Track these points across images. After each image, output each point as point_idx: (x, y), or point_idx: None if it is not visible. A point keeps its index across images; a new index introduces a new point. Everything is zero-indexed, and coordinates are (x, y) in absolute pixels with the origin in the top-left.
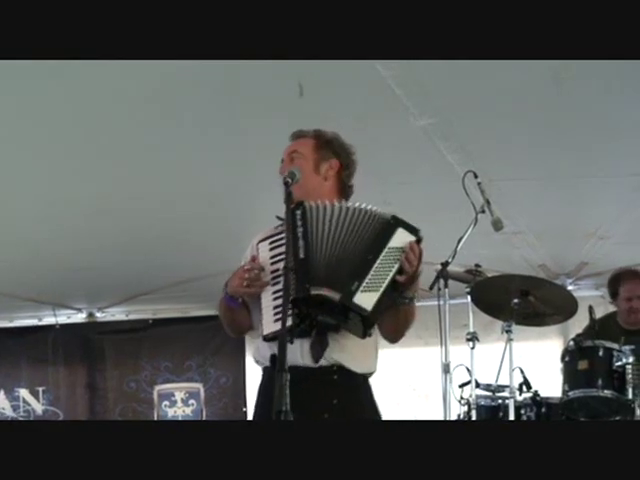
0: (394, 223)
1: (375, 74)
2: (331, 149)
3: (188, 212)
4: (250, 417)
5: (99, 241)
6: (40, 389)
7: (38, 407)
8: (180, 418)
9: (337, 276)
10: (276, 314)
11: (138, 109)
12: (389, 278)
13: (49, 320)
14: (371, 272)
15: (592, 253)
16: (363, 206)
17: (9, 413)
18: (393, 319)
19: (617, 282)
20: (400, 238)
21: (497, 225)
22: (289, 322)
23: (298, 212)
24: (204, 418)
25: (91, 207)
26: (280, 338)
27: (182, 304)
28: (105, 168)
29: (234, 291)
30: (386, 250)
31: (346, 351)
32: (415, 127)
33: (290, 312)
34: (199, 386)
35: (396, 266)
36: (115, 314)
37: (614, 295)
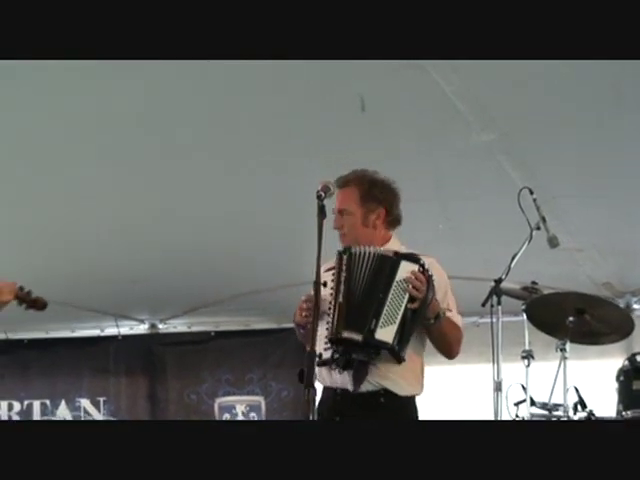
0: (396, 259)
1: (437, 89)
2: (375, 198)
3: (251, 225)
4: None
5: (162, 253)
6: (101, 399)
7: (99, 417)
8: None
9: (359, 318)
10: (325, 343)
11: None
12: (402, 309)
13: (111, 331)
14: (385, 308)
15: None
16: (372, 250)
17: None
18: (432, 338)
19: None
20: (404, 270)
21: (553, 242)
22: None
23: (345, 257)
24: None
25: (154, 218)
26: (307, 357)
27: (244, 317)
28: (168, 180)
29: (298, 321)
30: (394, 285)
31: (390, 377)
32: (477, 142)
33: (330, 348)
34: (260, 399)
35: (406, 296)
36: (177, 326)
37: None
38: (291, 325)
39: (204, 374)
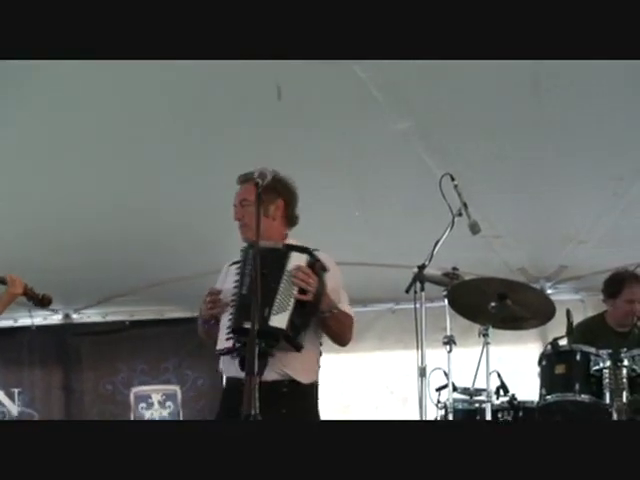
0: (286, 250)
1: (355, 77)
2: (275, 191)
3: (167, 214)
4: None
5: (75, 242)
6: (16, 390)
7: (14, 408)
8: (157, 420)
9: (257, 309)
10: (227, 333)
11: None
12: (293, 298)
13: (25, 321)
14: (277, 297)
15: (571, 257)
16: (268, 244)
17: None
18: (326, 329)
19: (620, 283)
20: (294, 261)
21: (474, 228)
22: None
23: (250, 251)
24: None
25: (69, 206)
26: (249, 344)
27: (158, 306)
28: (84, 167)
29: (203, 315)
30: (285, 275)
31: (291, 365)
32: (394, 130)
33: (231, 338)
34: (176, 388)
35: (297, 287)
36: (91, 316)
37: (613, 295)
38: None
39: (119, 364)
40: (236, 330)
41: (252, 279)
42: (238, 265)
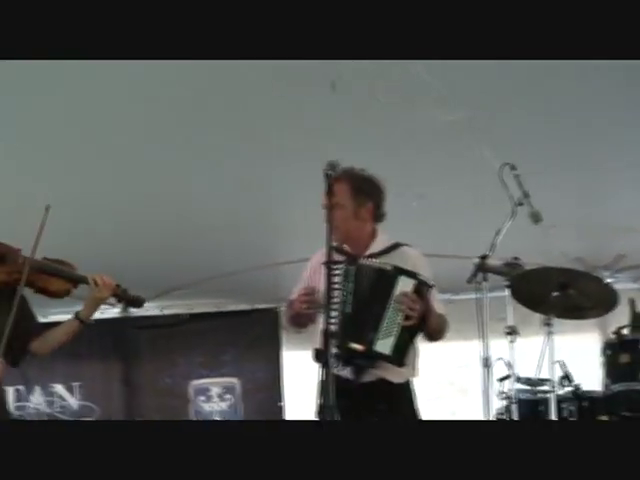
0: (394, 273)
1: (404, 69)
2: (365, 193)
3: (223, 207)
4: (287, 412)
5: (133, 237)
6: (75, 384)
7: (74, 403)
8: (216, 413)
9: (361, 330)
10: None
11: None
12: (399, 323)
13: None
14: (383, 323)
15: (629, 246)
16: (374, 264)
17: (44, 409)
18: (426, 334)
19: None
20: (402, 286)
21: (536, 217)
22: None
23: (352, 268)
24: (240, 412)
25: (128, 202)
26: (325, 333)
27: (216, 299)
28: (143, 164)
29: (297, 310)
30: (391, 300)
31: (386, 367)
32: (450, 121)
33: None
34: (235, 380)
35: (403, 313)
36: (150, 309)
37: None
38: (264, 306)
39: (178, 357)
40: (341, 348)
41: (357, 300)
42: (335, 269)
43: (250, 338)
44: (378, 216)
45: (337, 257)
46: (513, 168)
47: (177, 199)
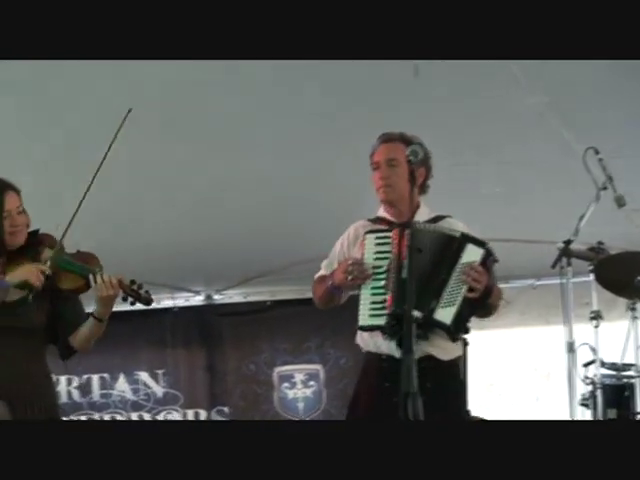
0: (462, 240)
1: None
2: (420, 157)
3: (303, 194)
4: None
5: (216, 223)
6: (160, 372)
7: (158, 390)
8: (300, 400)
9: (422, 296)
10: (372, 309)
11: None
12: (463, 292)
13: (167, 303)
14: (446, 289)
15: None
16: (437, 228)
17: (129, 396)
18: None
19: None
20: (469, 255)
21: (620, 201)
22: (381, 322)
23: (407, 232)
24: (324, 399)
25: (204, 192)
26: (406, 321)
27: (299, 285)
28: (222, 152)
29: (340, 282)
30: (458, 267)
31: (435, 344)
32: (531, 105)
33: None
34: (319, 367)
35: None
36: (233, 296)
37: None
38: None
39: (262, 344)
40: (395, 315)
41: (416, 266)
42: (378, 236)
43: (334, 325)
44: (425, 186)
45: (376, 227)
46: (597, 152)
47: (258, 186)
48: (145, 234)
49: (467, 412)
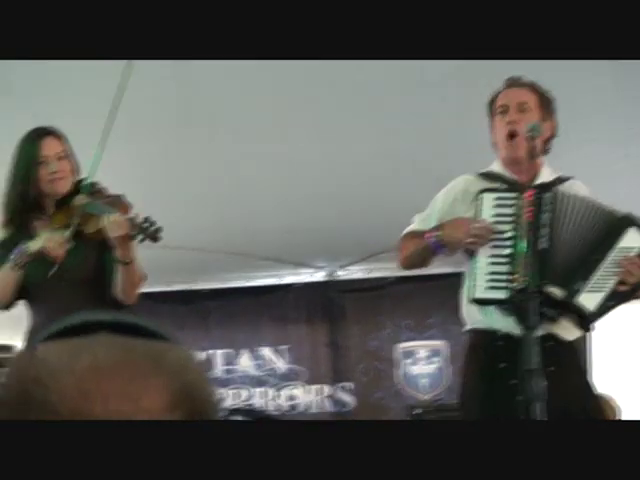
0: (625, 222)
1: None
2: (549, 109)
3: (427, 172)
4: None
5: (338, 200)
6: (283, 347)
7: (282, 365)
8: (423, 376)
9: (565, 273)
10: (491, 281)
11: None
12: (615, 279)
13: (290, 279)
14: (597, 273)
15: None
16: (590, 200)
17: (253, 372)
18: None
19: None
20: (630, 239)
21: None
22: (502, 295)
23: (547, 195)
24: (448, 376)
25: (327, 168)
26: (532, 300)
27: None
28: (340, 132)
29: (453, 241)
30: (614, 251)
31: (560, 322)
32: None
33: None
34: (441, 343)
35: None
36: (356, 272)
37: None
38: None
39: (384, 320)
40: (525, 289)
41: (559, 237)
42: (500, 196)
43: (457, 301)
44: (549, 143)
45: (493, 185)
46: None
47: (382, 163)
48: (267, 210)
49: (595, 397)
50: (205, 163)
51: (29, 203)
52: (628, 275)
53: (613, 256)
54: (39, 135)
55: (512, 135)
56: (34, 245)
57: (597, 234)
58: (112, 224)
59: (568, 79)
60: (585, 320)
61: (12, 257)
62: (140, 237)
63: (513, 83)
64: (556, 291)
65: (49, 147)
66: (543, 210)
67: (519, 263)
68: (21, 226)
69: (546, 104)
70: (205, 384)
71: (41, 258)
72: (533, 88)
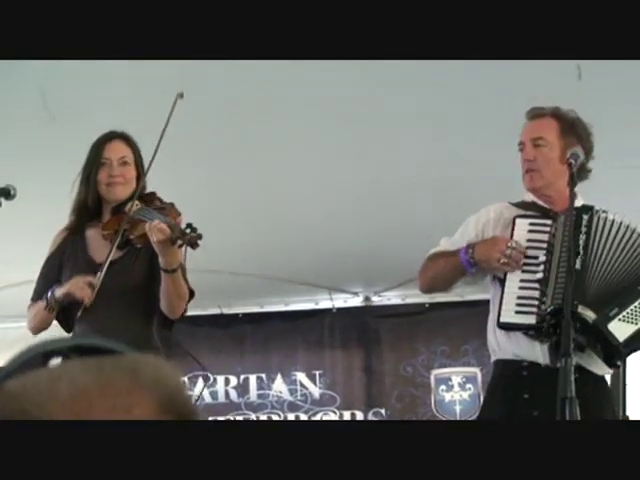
0: None
1: None
2: (575, 134)
3: (459, 196)
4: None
5: (375, 225)
6: (317, 372)
7: (315, 391)
8: (457, 402)
9: (599, 296)
10: (519, 305)
11: None
12: None
13: (325, 304)
14: (635, 303)
15: None
16: (632, 224)
17: (286, 397)
18: None
19: None
20: None
21: None
22: (531, 320)
23: (585, 217)
24: (481, 402)
25: (364, 191)
26: (565, 324)
27: (458, 288)
28: (375, 153)
29: (485, 260)
30: None
31: (586, 354)
32: None
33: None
34: (476, 370)
35: None
36: (391, 298)
37: None
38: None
39: (419, 346)
40: (555, 312)
41: (594, 259)
42: (533, 222)
43: None
44: (583, 168)
45: (527, 212)
46: None
47: (415, 188)
48: (303, 235)
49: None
50: (240, 189)
51: (88, 208)
52: None
53: None
54: (107, 138)
55: (529, 173)
56: (59, 290)
57: (636, 257)
58: (154, 228)
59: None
60: (612, 351)
61: (46, 297)
62: (179, 242)
63: (532, 115)
64: (589, 313)
65: (114, 150)
66: (580, 231)
67: (551, 285)
68: (77, 232)
69: (570, 129)
70: (181, 385)
71: (71, 299)
72: (554, 115)
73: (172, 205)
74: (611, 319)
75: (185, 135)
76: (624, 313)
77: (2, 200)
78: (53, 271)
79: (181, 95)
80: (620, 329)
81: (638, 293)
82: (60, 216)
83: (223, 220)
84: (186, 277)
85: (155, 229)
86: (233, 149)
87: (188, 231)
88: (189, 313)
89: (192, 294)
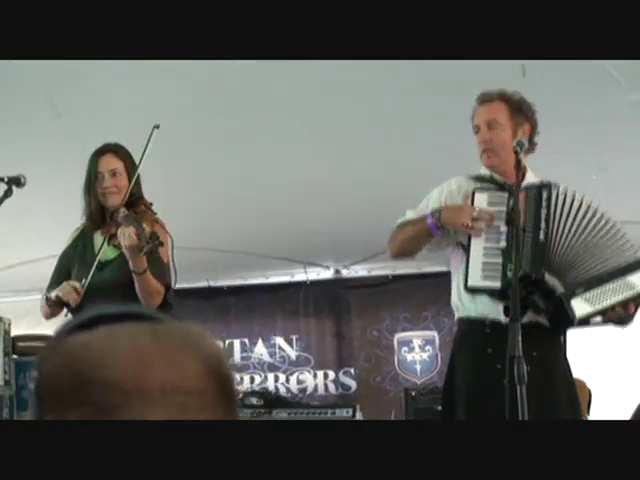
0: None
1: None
2: (522, 113)
3: (424, 176)
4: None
5: (343, 207)
6: (294, 337)
7: (292, 353)
8: (418, 362)
9: (569, 272)
10: (485, 270)
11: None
12: (609, 303)
13: (300, 277)
14: (599, 289)
15: None
16: (617, 224)
17: (267, 359)
18: None
19: None
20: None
21: None
22: (496, 284)
23: (544, 193)
24: (439, 362)
25: (332, 177)
26: (513, 290)
27: (417, 261)
28: (343, 137)
29: (452, 222)
30: (624, 281)
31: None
32: (630, 101)
33: (494, 277)
34: (434, 334)
35: (621, 299)
36: (359, 271)
37: None
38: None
39: (383, 313)
40: (525, 277)
41: (555, 229)
42: (492, 194)
43: (449, 296)
44: (532, 144)
45: (484, 185)
46: None
47: (381, 168)
48: (284, 217)
49: (572, 381)
50: (220, 170)
51: (93, 215)
52: (623, 312)
53: (619, 284)
54: (99, 152)
55: (486, 152)
56: (54, 293)
57: (617, 257)
58: (125, 235)
59: (544, 85)
60: (564, 322)
61: (47, 296)
62: (144, 250)
63: (483, 99)
64: (554, 282)
65: (105, 164)
66: (541, 206)
67: (515, 253)
68: (85, 234)
69: (517, 109)
70: (221, 350)
71: (62, 301)
72: (502, 98)
73: (153, 214)
74: (575, 295)
75: (174, 132)
76: (587, 295)
77: (14, 187)
78: (65, 266)
79: (157, 126)
80: (579, 307)
81: (603, 279)
82: (65, 199)
83: (212, 205)
84: (164, 273)
85: (124, 236)
86: (219, 145)
87: (151, 239)
88: (179, 286)
89: (168, 288)
